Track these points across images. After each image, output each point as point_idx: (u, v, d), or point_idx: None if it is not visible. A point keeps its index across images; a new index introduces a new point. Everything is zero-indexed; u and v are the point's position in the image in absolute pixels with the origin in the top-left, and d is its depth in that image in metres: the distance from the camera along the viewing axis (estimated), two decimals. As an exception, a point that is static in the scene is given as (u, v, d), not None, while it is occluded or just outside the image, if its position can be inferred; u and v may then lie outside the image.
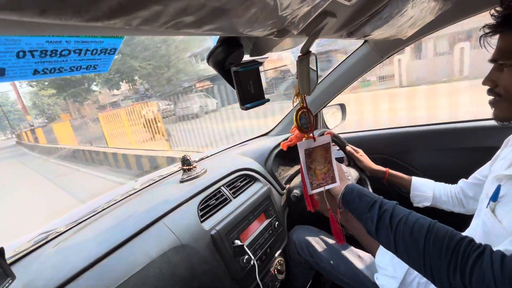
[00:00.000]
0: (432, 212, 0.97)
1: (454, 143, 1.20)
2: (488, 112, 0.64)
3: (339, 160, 1.16)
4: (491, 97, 0.62)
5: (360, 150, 1.19)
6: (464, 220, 0.80)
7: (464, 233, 0.76)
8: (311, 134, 0.70)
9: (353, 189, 0.67)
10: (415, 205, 1.02)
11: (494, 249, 0.44)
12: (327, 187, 0.74)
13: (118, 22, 0.15)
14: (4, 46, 0.22)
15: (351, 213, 0.68)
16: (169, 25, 0.18)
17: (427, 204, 0.99)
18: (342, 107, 1.46)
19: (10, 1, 0.12)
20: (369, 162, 1.15)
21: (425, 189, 0.98)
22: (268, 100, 0.55)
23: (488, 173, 0.79)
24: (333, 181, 0.74)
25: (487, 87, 0.62)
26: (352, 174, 1.14)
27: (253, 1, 0.20)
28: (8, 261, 0.66)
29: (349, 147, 1.18)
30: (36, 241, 0.75)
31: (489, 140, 1.11)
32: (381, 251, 0.72)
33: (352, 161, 1.20)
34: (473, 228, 0.72)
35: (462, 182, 0.93)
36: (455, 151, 1.20)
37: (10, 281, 0.57)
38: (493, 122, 1.10)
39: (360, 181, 1.16)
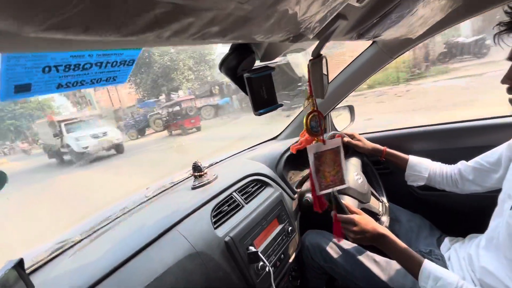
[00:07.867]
0: (443, 198, 0.95)
1: (462, 142, 1.18)
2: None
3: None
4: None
5: (355, 134, 1.16)
6: (482, 217, 0.77)
7: (485, 234, 0.74)
8: (321, 137, 0.69)
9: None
10: (409, 183, 1.03)
11: None
12: (335, 188, 0.74)
13: (150, 35, 0.15)
14: (32, 62, 0.22)
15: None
16: (196, 36, 0.18)
17: (422, 183, 1.00)
18: (351, 108, 1.44)
19: (58, 21, 0.12)
20: (365, 143, 1.13)
21: (421, 169, 0.99)
22: (281, 105, 0.55)
23: (497, 161, 0.78)
24: (342, 183, 0.74)
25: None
26: (356, 167, 1.11)
27: (275, 9, 0.20)
28: (27, 271, 0.67)
29: (346, 138, 1.16)
30: (53, 251, 0.76)
31: (491, 139, 1.08)
32: (424, 274, 0.66)
33: (351, 150, 1.19)
34: (495, 228, 0.70)
35: (461, 164, 0.93)
36: (462, 150, 1.18)
37: (30, 291, 0.58)
38: (497, 121, 1.09)
39: (364, 166, 1.14)
